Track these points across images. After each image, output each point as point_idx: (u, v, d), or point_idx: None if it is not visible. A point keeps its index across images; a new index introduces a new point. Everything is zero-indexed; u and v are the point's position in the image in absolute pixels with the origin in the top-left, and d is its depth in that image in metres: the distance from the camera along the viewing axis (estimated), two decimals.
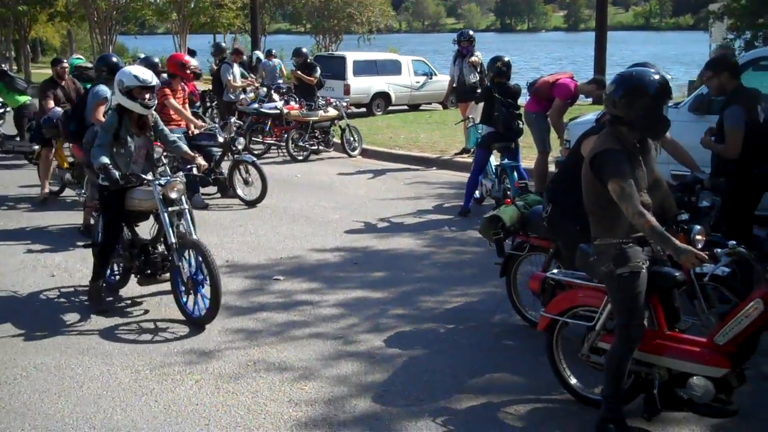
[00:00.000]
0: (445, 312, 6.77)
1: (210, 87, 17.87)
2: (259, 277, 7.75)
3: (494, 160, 10.72)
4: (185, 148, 7.07)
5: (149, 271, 6.91)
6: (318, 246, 8.87)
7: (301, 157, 14.62)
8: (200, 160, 7.10)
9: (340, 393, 5.27)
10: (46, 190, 11.04)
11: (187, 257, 6.50)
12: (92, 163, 6.56)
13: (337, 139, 15.29)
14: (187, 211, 6.67)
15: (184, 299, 6.54)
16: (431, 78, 22.88)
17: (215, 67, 17.45)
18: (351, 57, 22.19)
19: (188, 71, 10.91)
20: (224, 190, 11.20)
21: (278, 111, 14.93)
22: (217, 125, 11.48)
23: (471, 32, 14.49)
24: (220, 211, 10.66)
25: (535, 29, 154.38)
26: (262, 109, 15.03)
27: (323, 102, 15.18)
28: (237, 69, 16.15)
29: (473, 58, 13.67)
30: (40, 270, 7.96)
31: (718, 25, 20.03)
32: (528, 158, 11.73)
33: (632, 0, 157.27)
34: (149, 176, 6.75)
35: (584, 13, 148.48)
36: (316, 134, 14.93)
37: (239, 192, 10.99)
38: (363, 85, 21.56)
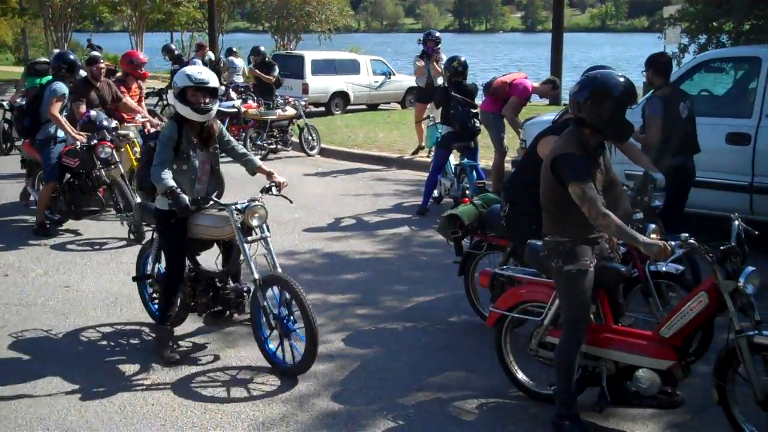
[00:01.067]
0: (404, 311, 6.79)
1: (168, 84, 17.75)
2: None
3: (453, 159, 10.81)
4: (259, 163, 5.98)
5: (219, 308, 5.88)
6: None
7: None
8: (278, 178, 5.90)
9: (297, 392, 5.26)
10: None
11: (273, 295, 5.57)
12: (155, 184, 5.52)
13: (295, 138, 15.26)
14: (269, 240, 5.65)
15: (271, 345, 5.57)
16: (390, 78, 22.89)
17: (174, 67, 17.36)
18: (309, 56, 22.12)
19: (141, 69, 10.81)
20: None
21: (236, 110, 14.87)
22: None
23: (437, 33, 14.54)
24: None
25: (493, 30, 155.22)
26: (220, 108, 14.90)
27: (282, 101, 15.13)
28: (200, 63, 16.13)
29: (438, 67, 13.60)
30: None
31: (672, 29, 20.28)
32: (485, 158, 11.80)
33: (589, 2, 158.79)
34: (219, 198, 5.83)
35: (541, 15, 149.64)
36: (275, 133, 14.88)
37: None
38: (321, 85, 21.50)
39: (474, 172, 10.17)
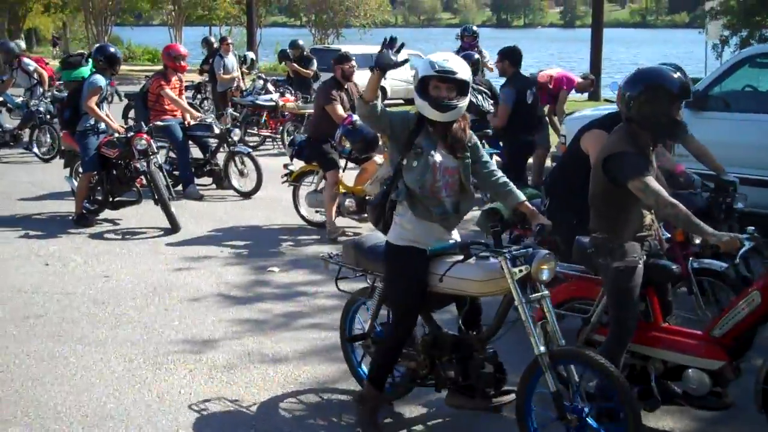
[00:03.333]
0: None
1: (207, 78, 17.82)
2: (255, 268, 7.72)
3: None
4: (523, 197, 4.52)
5: (467, 385, 4.42)
6: (314, 237, 8.85)
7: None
8: (544, 220, 4.44)
9: (333, 384, 5.25)
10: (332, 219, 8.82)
11: (559, 375, 4.10)
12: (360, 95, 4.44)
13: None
14: (549, 299, 4.17)
15: None
16: None
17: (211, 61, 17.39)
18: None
19: (181, 62, 10.86)
20: (219, 181, 11.16)
21: (274, 103, 14.89)
22: (213, 116, 11.44)
23: (474, 27, 14.49)
24: (215, 202, 10.62)
25: (531, 25, 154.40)
26: (258, 101, 15.01)
27: None
28: (231, 58, 16.12)
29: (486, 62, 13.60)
30: (34, 259, 7.92)
31: (714, 23, 20.04)
32: None
33: None
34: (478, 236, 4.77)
35: (580, 10, 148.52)
36: None
37: (234, 183, 10.95)
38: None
39: (493, 159, 10.09)
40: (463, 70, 4.27)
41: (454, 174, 4.39)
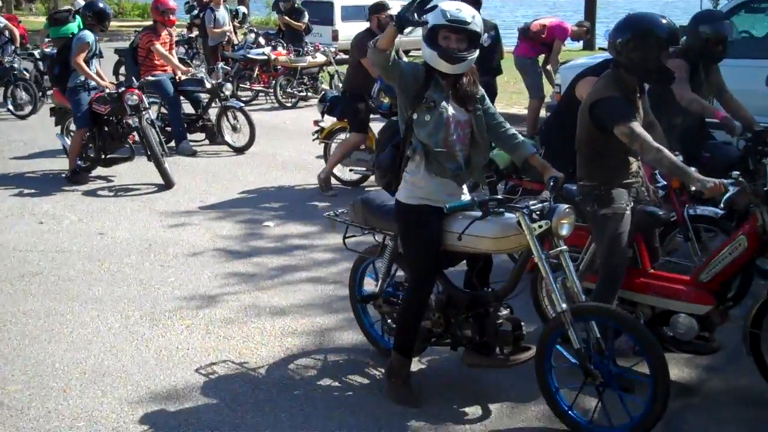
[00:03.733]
0: None
1: (197, 32, 17.63)
2: (251, 223, 7.70)
3: None
4: (533, 149, 4.44)
5: (484, 343, 4.39)
6: (309, 192, 8.82)
7: (289, 104, 14.46)
8: (556, 172, 4.22)
9: (331, 336, 5.27)
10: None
11: (585, 330, 3.98)
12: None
13: (325, 86, 15.12)
14: (567, 254, 4.06)
15: (574, 411, 4.08)
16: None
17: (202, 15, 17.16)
18: (339, 2, 21.81)
19: (171, 16, 10.72)
20: (212, 137, 11.07)
21: (266, 57, 14.75)
22: (204, 71, 11.31)
23: None
24: (208, 157, 10.55)
25: None
26: (250, 55, 14.87)
27: (311, 48, 14.98)
28: (222, 12, 15.91)
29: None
30: (28, 217, 7.89)
31: None
32: (518, 104, 11.66)
33: None
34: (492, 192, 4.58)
35: None
36: (305, 80, 14.75)
37: (227, 138, 10.87)
38: (352, 31, 21.09)
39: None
40: (476, 21, 4.08)
41: (466, 127, 4.26)
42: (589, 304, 4.05)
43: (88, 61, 8.93)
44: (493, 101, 9.78)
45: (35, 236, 7.31)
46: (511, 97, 13.94)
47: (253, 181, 9.31)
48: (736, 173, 4.16)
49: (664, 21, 4.24)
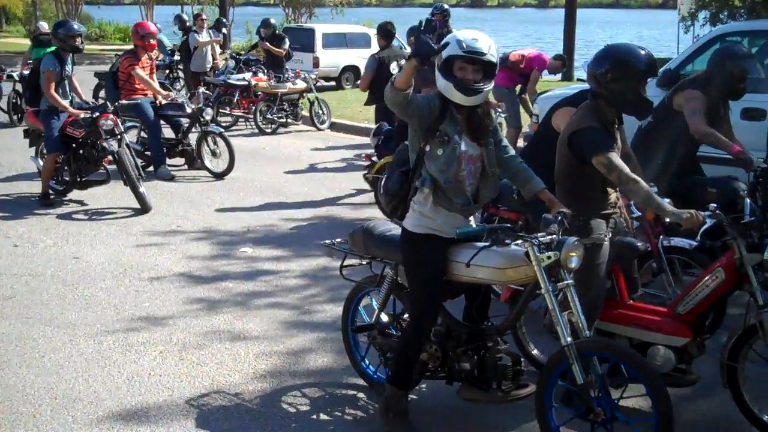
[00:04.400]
0: None
1: (177, 57, 17.67)
2: (226, 247, 7.70)
3: None
4: (542, 185, 4.34)
5: (483, 377, 4.27)
6: (285, 217, 8.82)
7: (269, 130, 14.48)
8: (564, 208, 4.18)
9: (305, 364, 5.25)
10: None
11: (586, 367, 3.86)
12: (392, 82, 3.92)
13: (305, 112, 15.16)
14: (573, 288, 3.95)
15: None
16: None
17: (183, 38, 17.26)
18: (320, 29, 21.97)
19: (151, 41, 10.74)
20: (191, 162, 11.06)
21: (246, 83, 14.78)
22: (184, 95, 11.32)
23: (446, 6, 14.42)
24: (187, 182, 10.53)
25: (506, 5, 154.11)
26: (230, 81, 14.90)
27: (292, 74, 15.04)
28: (204, 35, 16.14)
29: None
30: (2, 240, 7.84)
31: (686, 2, 20.14)
32: None
33: None
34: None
35: None
36: (285, 107, 14.80)
37: (207, 163, 10.85)
38: (332, 59, 21.37)
39: None
40: (492, 51, 3.97)
41: (477, 161, 4.17)
42: (594, 338, 4.01)
43: (58, 85, 8.93)
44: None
45: (9, 259, 7.25)
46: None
47: (231, 206, 9.30)
48: (713, 206, 4.20)
49: (642, 52, 4.28)
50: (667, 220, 5.08)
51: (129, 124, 10.40)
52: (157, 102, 10.52)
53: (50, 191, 9.26)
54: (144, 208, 8.89)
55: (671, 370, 4.43)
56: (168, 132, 11.00)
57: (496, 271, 3.99)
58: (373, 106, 10.21)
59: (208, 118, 10.77)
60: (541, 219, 4.38)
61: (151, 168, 10.48)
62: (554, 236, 3.94)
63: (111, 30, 44.02)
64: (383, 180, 4.48)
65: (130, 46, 10.98)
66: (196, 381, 4.96)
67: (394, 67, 9.32)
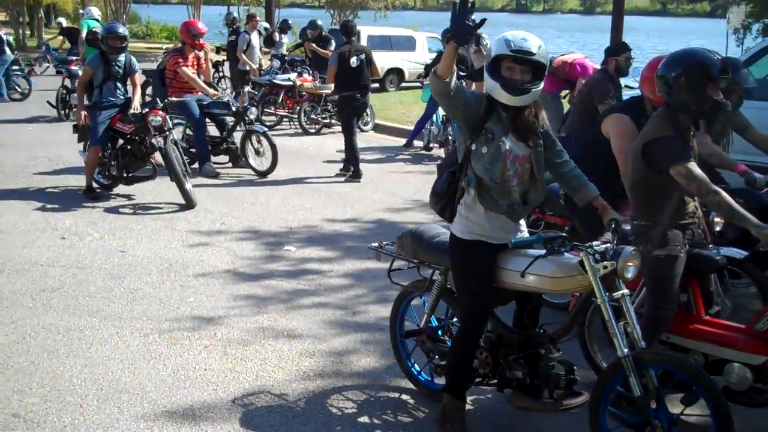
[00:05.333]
0: None
1: (225, 57, 17.85)
2: (270, 246, 7.72)
3: (441, 110, 12.37)
4: (596, 192, 4.24)
5: (534, 385, 4.18)
6: (329, 217, 8.83)
7: (313, 130, 14.55)
8: (618, 215, 4.12)
9: (348, 364, 5.24)
10: None
11: (644, 379, 3.75)
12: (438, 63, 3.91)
13: None
14: (629, 298, 3.88)
15: None
16: None
17: (231, 38, 17.43)
18: (365, 32, 22.00)
19: (199, 40, 10.83)
20: (235, 160, 11.15)
21: (291, 83, 14.87)
22: (230, 94, 11.40)
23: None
24: (231, 180, 10.61)
25: (551, 11, 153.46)
26: (276, 81, 14.99)
27: None
28: (255, 37, 16.21)
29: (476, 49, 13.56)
30: (50, 232, 7.94)
31: (736, 11, 19.85)
32: None
33: None
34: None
35: None
36: (329, 108, 14.84)
37: (251, 162, 10.93)
38: (377, 60, 21.31)
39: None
40: (541, 52, 3.91)
41: (525, 163, 4.07)
42: (651, 350, 3.93)
43: (103, 84, 9.13)
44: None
45: (57, 251, 7.35)
46: None
47: (275, 204, 9.34)
48: None
49: (715, 56, 4.14)
50: (717, 228, 5.01)
51: (175, 121, 10.49)
52: (211, 96, 10.62)
53: (95, 185, 9.39)
54: (189, 204, 8.98)
55: (747, 389, 4.26)
56: (213, 129, 11.08)
57: (549, 280, 3.92)
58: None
59: (252, 117, 10.84)
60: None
61: (196, 165, 10.57)
62: (609, 245, 3.86)
63: (158, 29, 44.53)
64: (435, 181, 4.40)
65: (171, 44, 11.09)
66: (240, 377, 4.99)
67: (354, 61, 10.71)
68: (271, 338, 5.59)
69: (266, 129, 11.24)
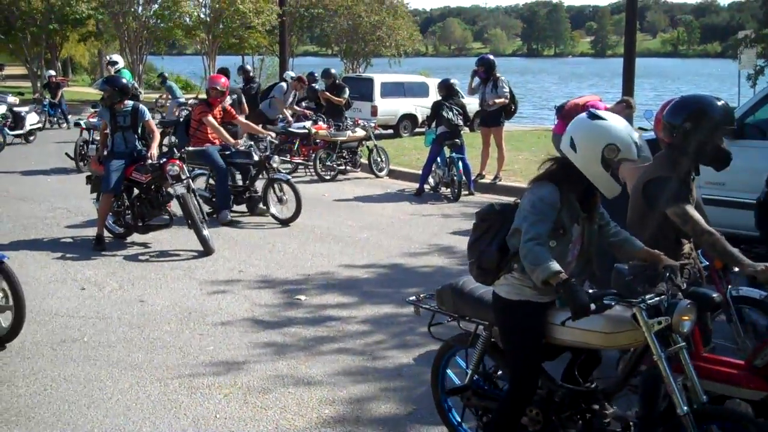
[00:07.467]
0: None
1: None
2: (288, 293, 7.74)
3: (445, 152, 13.11)
4: (639, 243, 4.18)
5: None
6: (346, 263, 8.85)
7: (328, 177, 14.64)
8: (671, 261, 4.08)
9: (368, 411, 5.23)
10: None
11: None
12: (531, 267, 3.70)
13: (364, 160, 15.33)
14: (686, 352, 3.81)
15: None
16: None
17: (243, 86, 17.77)
18: (379, 79, 22.24)
19: (220, 97, 11.09)
20: (253, 208, 11.21)
21: (307, 131, 15.02)
22: (252, 143, 11.50)
23: (491, 57, 14.48)
24: (248, 228, 10.67)
25: (562, 54, 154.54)
26: (291, 129, 15.14)
27: (351, 123, 15.26)
28: (291, 96, 16.69)
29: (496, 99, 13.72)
30: (70, 283, 8.00)
31: (747, 52, 19.93)
32: None
33: (660, 26, 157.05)
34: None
35: (612, 39, 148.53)
36: (344, 154, 14.98)
37: (272, 210, 10.95)
38: (390, 107, 21.60)
39: (460, 163, 12.81)
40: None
41: (578, 243, 4.00)
42: (714, 407, 3.84)
43: (113, 135, 9.32)
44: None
45: (77, 302, 7.40)
46: None
47: (293, 251, 9.38)
48: None
49: (719, 102, 4.25)
50: (736, 269, 5.01)
51: (198, 171, 10.65)
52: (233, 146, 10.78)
53: (109, 234, 9.49)
54: (207, 251, 9.03)
55: None
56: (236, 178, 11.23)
57: (600, 336, 3.81)
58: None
59: (275, 165, 10.91)
60: (614, 269, 4.31)
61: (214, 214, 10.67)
62: (663, 297, 3.76)
63: (173, 80, 45.08)
64: (473, 242, 4.20)
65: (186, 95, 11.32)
66: (260, 425, 4.98)
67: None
68: (291, 386, 5.59)
69: (289, 177, 11.32)
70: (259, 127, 11.89)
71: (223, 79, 11.36)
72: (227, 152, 10.83)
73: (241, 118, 12.15)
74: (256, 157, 10.88)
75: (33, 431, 4.85)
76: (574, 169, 3.87)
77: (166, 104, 19.67)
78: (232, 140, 11.00)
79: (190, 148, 10.33)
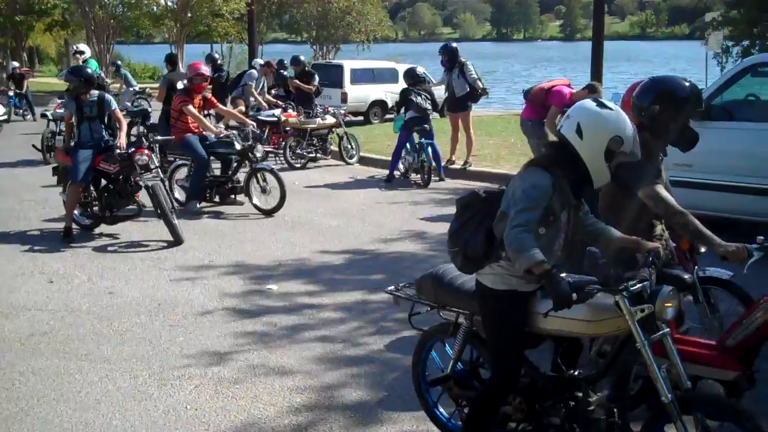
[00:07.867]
0: None
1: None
2: (259, 281, 7.72)
3: (415, 138, 13.17)
4: (616, 232, 4.11)
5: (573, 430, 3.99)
6: (317, 250, 8.84)
7: (298, 165, 14.60)
8: (651, 245, 4.06)
9: (340, 398, 5.23)
10: None
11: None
12: (515, 255, 3.62)
13: (334, 147, 15.30)
14: (670, 338, 3.79)
15: None
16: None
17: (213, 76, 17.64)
18: (348, 65, 22.20)
19: (202, 82, 10.98)
20: (224, 196, 11.03)
21: (276, 119, 14.94)
22: (234, 132, 11.33)
23: (453, 45, 14.41)
24: (218, 217, 10.62)
25: (531, 39, 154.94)
26: (260, 117, 15.05)
27: (321, 110, 15.19)
28: (263, 81, 16.58)
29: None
30: (38, 276, 7.92)
31: (715, 34, 20.09)
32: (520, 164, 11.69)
33: (628, 9, 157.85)
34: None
35: (580, 23, 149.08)
36: (314, 142, 14.92)
37: (255, 201, 10.77)
38: (360, 94, 21.56)
39: (430, 148, 12.87)
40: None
41: (563, 231, 3.90)
42: (697, 393, 3.84)
43: (80, 125, 9.21)
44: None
45: (45, 295, 7.33)
46: (518, 159, 14.02)
47: (263, 240, 9.35)
48: (761, 238, 4.16)
49: (687, 84, 4.29)
50: (703, 249, 5.06)
51: (179, 162, 10.57)
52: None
53: (74, 226, 9.42)
54: (177, 240, 8.98)
55: None
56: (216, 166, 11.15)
57: (582, 324, 3.77)
58: None
59: (258, 155, 10.76)
60: (587, 253, 4.29)
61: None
62: (646, 284, 3.72)
63: (140, 69, 44.73)
64: (455, 230, 4.08)
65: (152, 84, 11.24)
66: (232, 415, 4.97)
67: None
68: (262, 375, 5.57)
69: (273, 166, 11.21)
70: (241, 115, 11.75)
71: (204, 66, 11.25)
72: (207, 141, 10.70)
73: (228, 107, 12.02)
74: (238, 147, 10.68)
75: (1, 427, 4.80)
76: (571, 155, 3.79)
77: (120, 92, 19.42)
78: (214, 129, 10.91)
79: (158, 138, 10.24)
